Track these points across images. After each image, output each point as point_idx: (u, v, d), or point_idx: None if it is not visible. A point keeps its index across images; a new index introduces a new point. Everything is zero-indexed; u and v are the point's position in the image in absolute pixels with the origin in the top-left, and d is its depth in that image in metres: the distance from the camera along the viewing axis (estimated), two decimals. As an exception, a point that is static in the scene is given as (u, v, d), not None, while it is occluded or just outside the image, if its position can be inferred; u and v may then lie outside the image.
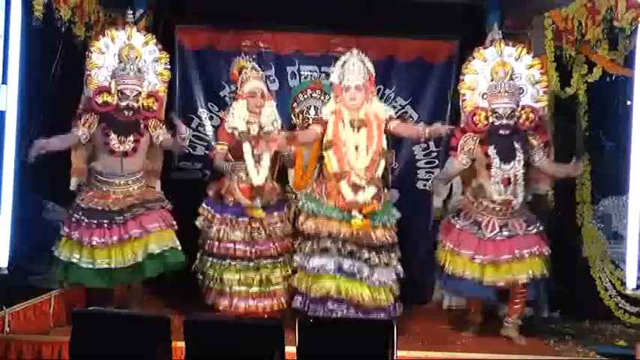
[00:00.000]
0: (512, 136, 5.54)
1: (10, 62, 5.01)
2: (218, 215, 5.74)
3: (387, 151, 5.66)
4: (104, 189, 5.69)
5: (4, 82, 4.99)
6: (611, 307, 6.25)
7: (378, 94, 7.63)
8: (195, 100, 7.43)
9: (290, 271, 5.75)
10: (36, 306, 5.33)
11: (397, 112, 7.64)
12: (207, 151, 7.45)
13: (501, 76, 5.66)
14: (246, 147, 5.73)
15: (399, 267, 5.56)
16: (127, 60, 5.79)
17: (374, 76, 5.78)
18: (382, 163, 5.60)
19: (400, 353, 3.91)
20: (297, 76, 7.52)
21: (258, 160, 5.74)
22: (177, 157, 7.22)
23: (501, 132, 5.53)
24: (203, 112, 7.52)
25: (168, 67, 6.02)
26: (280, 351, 3.59)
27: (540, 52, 6.37)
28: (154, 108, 5.83)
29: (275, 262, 5.74)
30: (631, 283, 5.22)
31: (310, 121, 6.48)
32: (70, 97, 6.04)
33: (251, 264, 5.67)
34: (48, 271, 5.95)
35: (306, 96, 6.80)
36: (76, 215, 5.60)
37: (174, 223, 5.70)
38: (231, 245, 5.65)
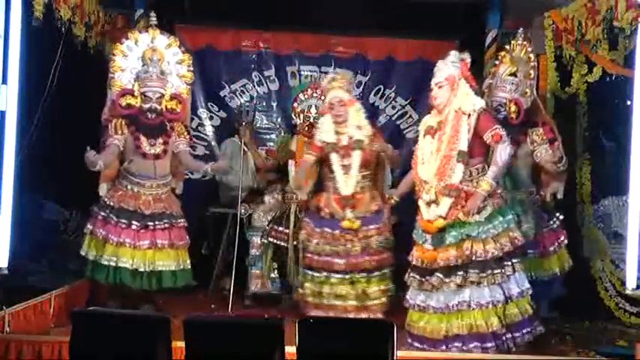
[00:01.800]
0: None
1: (10, 62, 5.00)
2: (317, 229, 5.72)
3: (464, 152, 4.93)
4: (135, 190, 5.73)
5: (4, 82, 4.99)
6: (611, 307, 6.26)
7: (377, 94, 7.69)
8: (195, 100, 7.44)
9: (390, 286, 5.65)
10: (36, 306, 5.32)
11: (397, 112, 7.68)
12: (207, 151, 7.47)
13: None
14: (334, 158, 5.70)
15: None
16: (150, 62, 5.80)
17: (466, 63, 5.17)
18: (459, 167, 4.91)
19: (400, 353, 3.90)
20: (297, 76, 7.53)
21: (346, 170, 5.69)
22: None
23: None
24: (203, 112, 7.53)
25: (191, 69, 5.99)
26: (280, 351, 3.59)
27: (540, 52, 6.38)
28: (178, 110, 5.82)
29: (369, 276, 5.62)
30: (631, 283, 5.21)
31: (312, 120, 6.46)
32: (71, 97, 6.04)
33: (346, 277, 5.59)
34: (48, 271, 5.95)
35: (306, 96, 6.80)
36: (103, 213, 5.65)
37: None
38: (328, 258, 5.62)
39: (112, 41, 7.00)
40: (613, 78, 6.36)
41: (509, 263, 4.88)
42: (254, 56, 7.61)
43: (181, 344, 3.78)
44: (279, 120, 7.66)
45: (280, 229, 6.30)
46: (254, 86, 7.63)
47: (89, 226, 5.68)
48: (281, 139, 7.09)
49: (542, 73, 6.60)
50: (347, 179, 5.67)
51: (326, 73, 7.33)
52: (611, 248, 6.44)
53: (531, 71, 5.75)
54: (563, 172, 5.80)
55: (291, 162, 6.50)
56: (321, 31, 7.49)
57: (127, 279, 5.60)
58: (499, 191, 5.01)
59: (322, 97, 6.65)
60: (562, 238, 5.83)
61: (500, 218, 4.91)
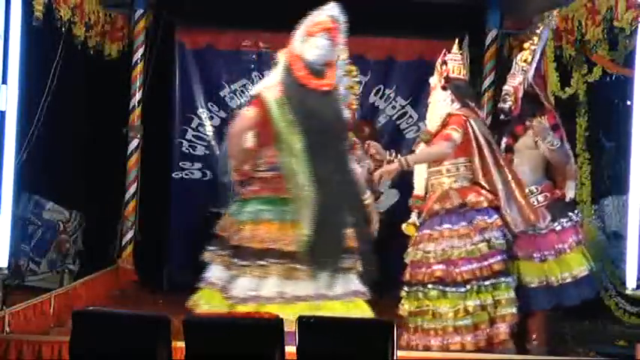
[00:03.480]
0: None
1: (10, 62, 5.00)
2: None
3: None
4: None
5: (4, 82, 4.99)
6: (611, 307, 6.25)
7: (377, 94, 7.69)
8: (195, 100, 7.44)
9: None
10: (36, 306, 5.32)
11: (397, 112, 7.68)
12: (207, 151, 7.47)
13: None
14: None
15: None
16: None
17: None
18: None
19: (400, 353, 3.90)
20: (297, 76, 7.51)
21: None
22: (178, 157, 7.25)
23: None
24: (203, 112, 7.54)
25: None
26: (280, 351, 3.59)
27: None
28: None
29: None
30: (631, 283, 5.21)
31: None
32: (71, 97, 6.05)
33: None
34: (48, 271, 5.96)
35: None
36: None
37: None
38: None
39: (112, 41, 7.03)
40: (613, 78, 6.37)
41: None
42: (254, 56, 7.61)
43: (181, 344, 3.78)
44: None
45: None
46: (254, 86, 7.62)
47: None
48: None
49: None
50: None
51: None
52: (611, 248, 6.44)
53: (529, 56, 5.45)
54: (570, 166, 5.44)
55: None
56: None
57: None
58: None
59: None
60: (568, 241, 5.29)
61: None
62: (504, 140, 5.41)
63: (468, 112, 5.07)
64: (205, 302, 4.70)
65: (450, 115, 5.04)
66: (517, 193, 5.03)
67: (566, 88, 6.44)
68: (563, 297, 5.28)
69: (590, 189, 6.55)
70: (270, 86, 4.66)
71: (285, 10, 7.07)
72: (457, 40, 5.28)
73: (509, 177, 5.03)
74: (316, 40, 4.65)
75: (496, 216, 4.96)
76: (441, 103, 5.13)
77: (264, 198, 4.62)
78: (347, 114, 4.82)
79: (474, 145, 5.01)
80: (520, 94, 5.38)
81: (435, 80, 5.22)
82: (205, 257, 4.72)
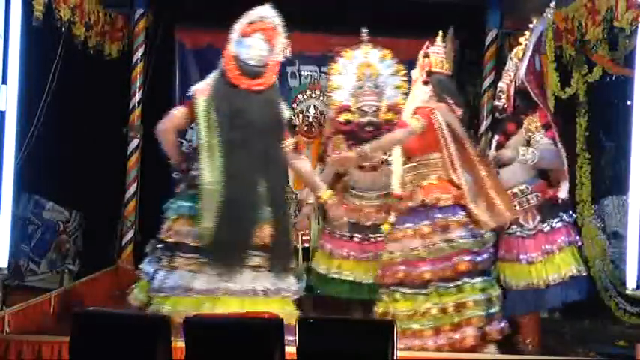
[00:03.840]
0: None
1: (10, 62, 5.01)
2: None
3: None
4: (356, 203, 5.74)
5: (4, 82, 4.99)
6: (611, 307, 6.25)
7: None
8: (195, 100, 7.43)
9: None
10: (36, 306, 5.32)
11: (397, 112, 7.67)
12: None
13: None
14: None
15: None
16: (363, 77, 5.86)
17: None
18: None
19: (400, 353, 3.90)
20: (297, 76, 7.52)
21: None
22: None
23: None
24: (203, 112, 7.51)
25: (405, 78, 5.93)
26: (280, 351, 3.59)
27: (540, 53, 6.36)
28: (395, 121, 5.69)
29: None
30: (631, 283, 5.21)
31: (310, 120, 6.46)
32: (71, 97, 6.05)
33: None
34: (48, 271, 5.96)
35: (305, 96, 6.80)
36: (329, 227, 5.71)
37: None
38: None
39: (112, 41, 7.03)
40: (613, 78, 6.37)
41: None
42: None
43: (181, 344, 3.78)
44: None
45: None
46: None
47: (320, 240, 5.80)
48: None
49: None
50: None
51: (326, 73, 7.34)
52: (611, 248, 6.44)
53: (520, 52, 5.40)
54: (563, 167, 5.24)
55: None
56: (321, 31, 7.48)
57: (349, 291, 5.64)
58: None
59: (321, 98, 6.67)
60: (557, 242, 5.13)
61: None
62: (496, 138, 5.37)
63: (439, 106, 5.00)
64: (139, 291, 4.78)
65: (417, 107, 5.02)
66: (489, 190, 4.87)
67: (566, 88, 6.44)
68: (548, 299, 5.16)
69: (590, 189, 6.55)
70: (202, 87, 4.73)
71: (285, 10, 7.10)
72: (440, 33, 5.23)
73: (483, 173, 4.90)
74: (250, 40, 4.70)
75: (461, 214, 4.83)
76: (420, 98, 5.09)
77: (188, 194, 4.66)
78: (284, 113, 4.78)
79: (441, 139, 4.91)
80: (512, 91, 5.30)
81: (416, 73, 5.18)
82: (146, 248, 4.88)
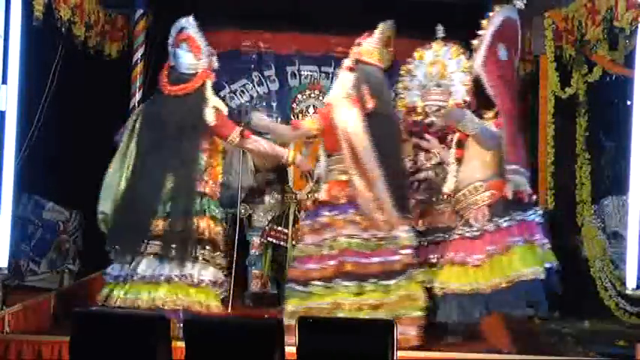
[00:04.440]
0: None
1: (10, 62, 5.01)
2: None
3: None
4: None
5: (4, 82, 4.99)
6: (611, 307, 6.25)
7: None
8: (195, 100, 7.42)
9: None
10: (36, 306, 5.33)
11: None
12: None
13: None
14: None
15: None
16: (430, 77, 5.83)
17: None
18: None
19: (400, 353, 3.90)
20: (297, 76, 7.52)
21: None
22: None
23: None
24: (203, 112, 7.51)
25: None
26: (280, 351, 3.59)
27: (540, 52, 6.37)
28: None
29: None
30: (631, 283, 5.21)
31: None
32: (70, 97, 6.04)
33: None
34: (48, 271, 5.95)
35: (305, 96, 6.80)
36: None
37: None
38: None
39: (112, 41, 7.02)
40: (613, 78, 6.37)
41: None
42: (254, 56, 7.61)
43: (181, 344, 3.78)
44: (279, 120, 7.63)
45: (279, 228, 6.29)
46: (254, 86, 7.63)
47: None
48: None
49: (542, 73, 6.61)
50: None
51: (326, 73, 7.34)
52: (611, 248, 6.44)
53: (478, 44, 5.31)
54: (502, 162, 4.98)
55: (290, 162, 6.50)
56: (321, 31, 7.48)
57: None
58: None
59: (320, 98, 6.66)
60: (504, 242, 4.90)
61: None
62: (457, 135, 5.27)
63: (346, 102, 4.98)
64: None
65: (326, 104, 5.05)
66: (377, 190, 4.84)
67: (566, 88, 6.44)
68: (494, 304, 4.90)
69: (590, 189, 6.55)
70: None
71: (284, 10, 7.10)
72: (380, 25, 5.25)
73: (379, 172, 4.84)
74: (179, 51, 5.24)
75: (351, 212, 4.87)
76: (343, 85, 5.08)
77: None
78: (210, 115, 5.09)
79: (341, 138, 4.92)
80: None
81: (347, 62, 5.18)
82: None
